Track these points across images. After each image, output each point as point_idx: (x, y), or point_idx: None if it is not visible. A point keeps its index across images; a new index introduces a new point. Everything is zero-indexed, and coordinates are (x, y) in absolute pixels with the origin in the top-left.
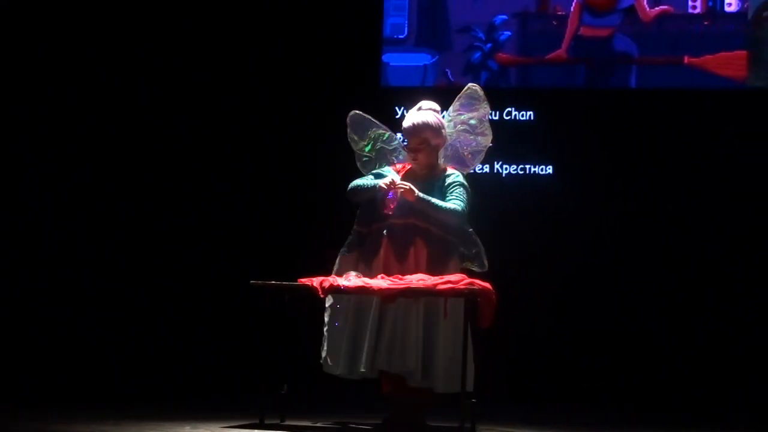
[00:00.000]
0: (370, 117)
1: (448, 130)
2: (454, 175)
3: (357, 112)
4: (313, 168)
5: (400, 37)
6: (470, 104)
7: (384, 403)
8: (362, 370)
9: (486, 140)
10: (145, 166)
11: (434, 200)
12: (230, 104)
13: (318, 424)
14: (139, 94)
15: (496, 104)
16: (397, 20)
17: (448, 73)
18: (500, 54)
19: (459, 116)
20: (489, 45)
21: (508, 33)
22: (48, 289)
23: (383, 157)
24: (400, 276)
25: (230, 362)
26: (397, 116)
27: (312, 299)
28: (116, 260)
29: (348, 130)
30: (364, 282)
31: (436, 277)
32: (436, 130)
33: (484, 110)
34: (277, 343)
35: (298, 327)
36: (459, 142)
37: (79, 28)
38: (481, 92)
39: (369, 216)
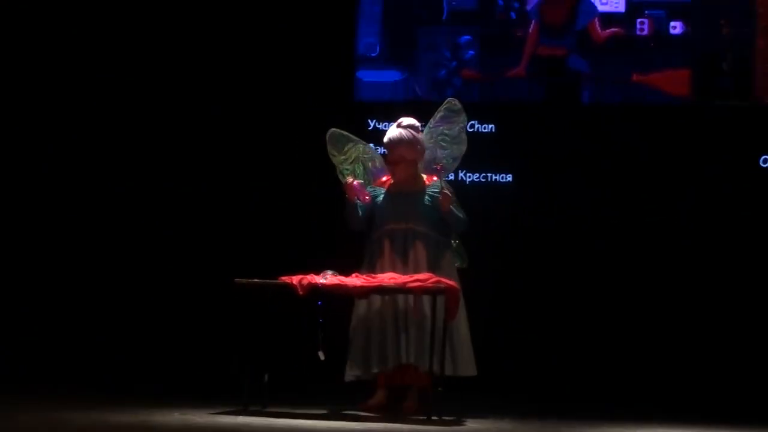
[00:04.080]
0: (347, 133)
1: (427, 141)
2: (441, 184)
3: (335, 129)
4: (292, 177)
5: (373, 55)
6: (449, 117)
7: (357, 393)
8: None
9: (461, 149)
10: (126, 165)
11: (458, 212)
12: (214, 113)
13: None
14: (119, 94)
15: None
16: (369, 40)
17: (416, 89)
18: (464, 71)
19: (438, 128)
20: (454, 63)
21: (472, 52)
22: (41, 284)
23: (363, 166)
24: (372, 275)
25: (216, 354)
26: (370, 128)
27: (292, 296)
28: (107, 256)
29: (328, 147)
30: (339, 280)
31: (405, 276)
32: (410, 145)
33: (463, 121)
34: (259, 336)
35: (279, 321)
36: (436, 151)
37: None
38: (459, 105)
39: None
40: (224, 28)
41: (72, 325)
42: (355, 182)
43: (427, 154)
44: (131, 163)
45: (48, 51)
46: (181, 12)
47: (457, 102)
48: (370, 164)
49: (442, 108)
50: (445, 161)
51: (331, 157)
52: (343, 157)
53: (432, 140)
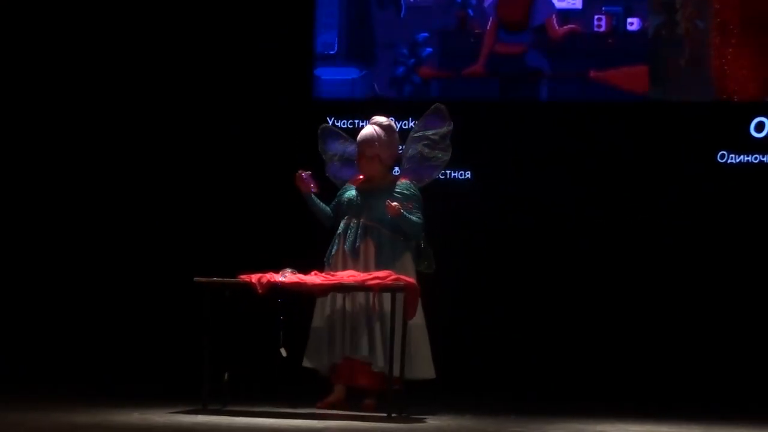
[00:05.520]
0: (338, 130)
1: (412, 144)
2: (406, 185)
3: (327, 125)
4: (252, 175)
5: (331, 52)
6: (434, 122)
7: (316, 391)
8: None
9: (445, 156)
10: (89, 163)
11: (409, 216)
12: (172, 113)
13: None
14: (70, 94)
15: (419, 115)
16: (327, 37)
17: (375, 86)
18: (423, 68)
19: (422, 132)
20: (412, 60)
21: (430, 49)
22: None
23: (348, 167)
24: (332, 273)
25: (175, 354)
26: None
27: (251, 294)
28: (68, 254)
29: (318, 142)
30: (298, 278)
31: (364, 273)
32: (384, 143)
33: (447, 128)
34: (218, 335)
35: (239, 320)
36: (420, 155)
37: None
38: (446, 112)
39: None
40: (183, 26)
41: (30, 325)
42: (303, 174)
43: (411, 158)
44: (100, 166)
45: None
46: (135, 12)
47: (443, 108)
48: (355, 166)
49: (428, 113)
50: (430, 164)
51: (320, 152)
52: (331, 153)
53: (417, 144)
